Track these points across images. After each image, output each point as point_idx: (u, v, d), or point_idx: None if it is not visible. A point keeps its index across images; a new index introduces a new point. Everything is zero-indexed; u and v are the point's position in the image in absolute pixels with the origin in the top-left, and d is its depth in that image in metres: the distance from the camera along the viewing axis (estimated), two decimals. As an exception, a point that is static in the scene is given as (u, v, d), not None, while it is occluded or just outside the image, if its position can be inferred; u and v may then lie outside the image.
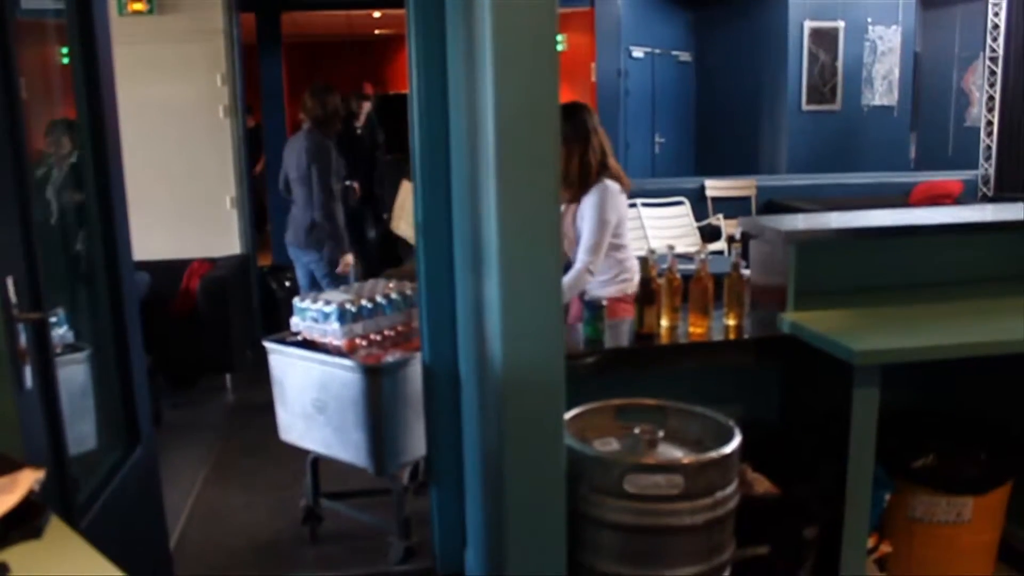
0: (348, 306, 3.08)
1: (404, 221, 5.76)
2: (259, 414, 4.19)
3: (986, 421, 2.74)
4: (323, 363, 3.06)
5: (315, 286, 4.72)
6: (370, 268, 6.63)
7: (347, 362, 2.99)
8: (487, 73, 1.77)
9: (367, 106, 7.44)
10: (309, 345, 3.17)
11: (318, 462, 3.33)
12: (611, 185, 3.09)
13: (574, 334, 2.62)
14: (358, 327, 3.10)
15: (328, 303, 3.09)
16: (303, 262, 4.79)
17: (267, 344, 3.26)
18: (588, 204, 3.08)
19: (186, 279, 5.24)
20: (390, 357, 3.07)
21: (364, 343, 3.12)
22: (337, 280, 4.56)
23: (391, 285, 3.34)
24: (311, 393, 3.12)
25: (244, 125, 6.12)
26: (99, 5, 2.47)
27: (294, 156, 4.67)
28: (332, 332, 3.08)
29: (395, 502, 3.17)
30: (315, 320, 3.12)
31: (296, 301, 3.24)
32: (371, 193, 7.43)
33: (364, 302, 3.13)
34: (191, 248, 5.62)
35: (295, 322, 3.22)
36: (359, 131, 7.21)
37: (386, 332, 3.20)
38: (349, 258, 4.67)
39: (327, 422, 3.10)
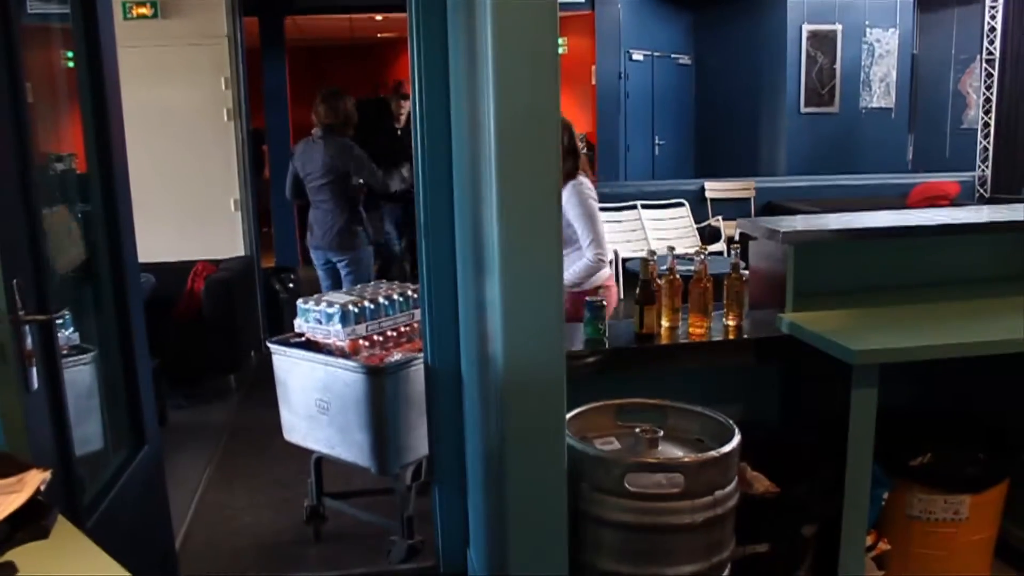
0: (351, 307, 3.10)
1: None
2: (263, 415, 4.22)
3: (983, 420, 2.76)
4: (326, 364, 3.08)
5: (337, 288, 4.69)
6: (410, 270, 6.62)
7: (350, 363, 3.01)
8: (488, 76, 1.79)
9: (407, 105, 7.15)
10: (312, 346, 3.19)
11: (321, 462, 3.35)
12: (583, 179, 3.23)
13: (575, 334, 2.64)
14: (361, 328, 3.12)
15: (331, 304, 3.11)
16: (332, 263, 4.77)
17: (271, 345, 3.28)
18: (568, 203, 3.15)
19: (191, 281, 5.25)
20: (393, 358, 3.09)
21: (367, 344, 3.14)
22: (360, 280, 4.56)
23: (394, 286, 3.37)
24: (314, 394, 3.14)
25: (248, 128, 6.13)
26: (104, 9, 2.49)
27: (314, 162, 4.62)
28: (335, 333, 3.10)
29: (398, 501, 3.19)
30: (318, 321, 3.14)
31: (300, 302, 3.26)
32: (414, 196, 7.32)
33: (367, 303, 3.15)
34: (195, 250, 5.63)
35: (298, 323, 3.24)
36: (399, 132, 6.92)
37: (388, 333, 3.22)
38: (405, 171, 4.88)
39: (330, 422, 3.12)
